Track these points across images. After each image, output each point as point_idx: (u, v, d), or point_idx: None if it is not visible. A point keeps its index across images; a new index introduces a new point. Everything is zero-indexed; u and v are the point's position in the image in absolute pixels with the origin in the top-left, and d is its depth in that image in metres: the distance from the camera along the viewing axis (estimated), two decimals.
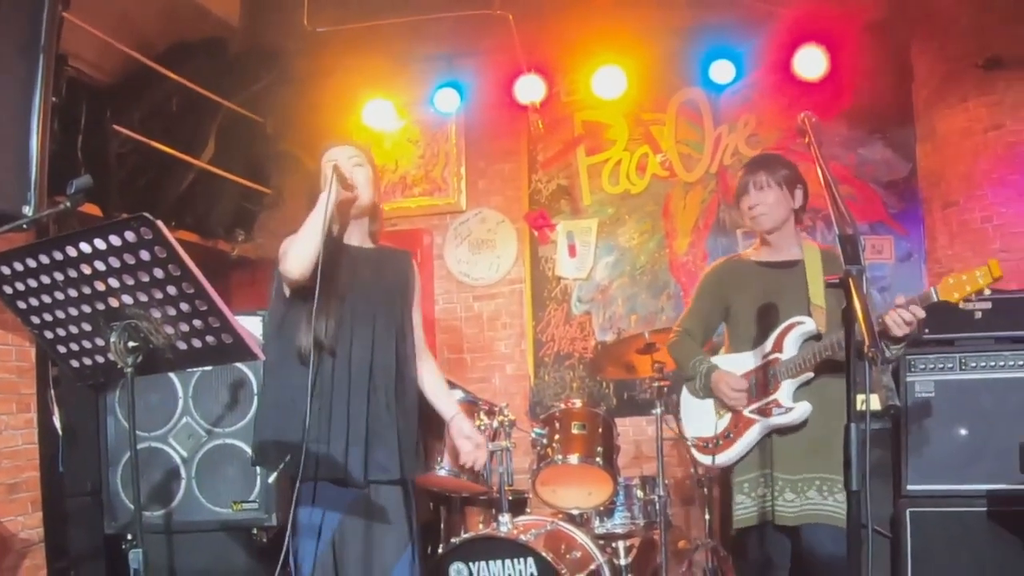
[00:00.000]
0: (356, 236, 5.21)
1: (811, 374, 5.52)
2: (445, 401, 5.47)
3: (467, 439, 5.39)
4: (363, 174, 5.09)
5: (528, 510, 7.90)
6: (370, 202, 5.16)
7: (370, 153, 5.31)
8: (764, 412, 5.69)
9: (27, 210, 5.97)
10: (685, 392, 6.24)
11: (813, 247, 5.94)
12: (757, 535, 5.75)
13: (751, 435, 5.73)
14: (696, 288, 6.32)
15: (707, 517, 7.70)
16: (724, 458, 5.86)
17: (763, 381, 5.73)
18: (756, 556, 5.83)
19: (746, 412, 5.77)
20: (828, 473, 5.55)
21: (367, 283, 5.06)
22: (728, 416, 5.90)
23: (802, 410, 5.52)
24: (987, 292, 5.33)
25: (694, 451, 6.10)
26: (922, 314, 5.32)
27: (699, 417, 6.08)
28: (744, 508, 5.80)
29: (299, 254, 4.77)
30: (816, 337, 5.62)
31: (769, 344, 5.74)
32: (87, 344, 4.20)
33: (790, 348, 5.64)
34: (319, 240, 4.70)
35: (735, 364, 5.91)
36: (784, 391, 5.61)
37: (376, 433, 4.91)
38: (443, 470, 6.67)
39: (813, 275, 5.74)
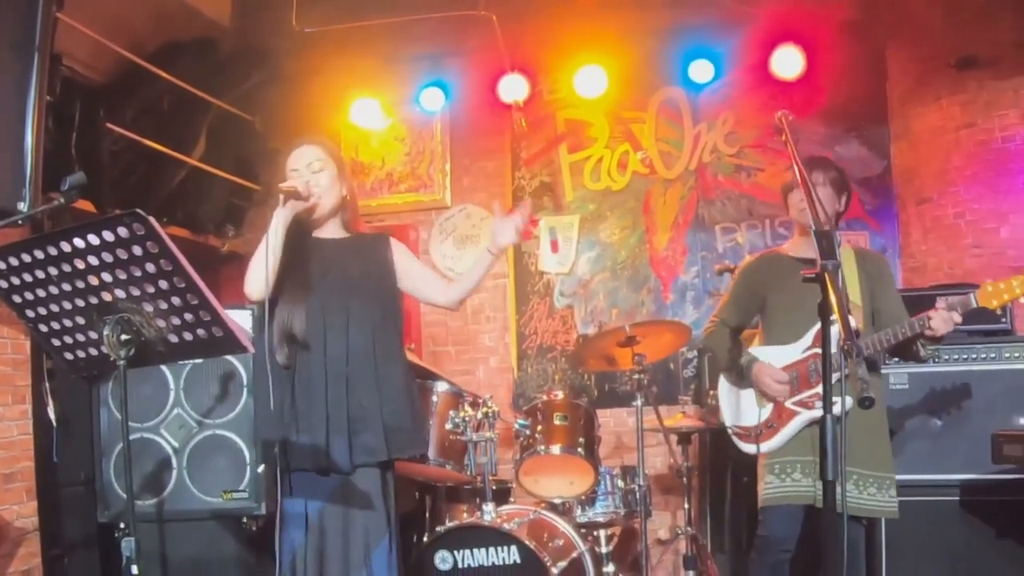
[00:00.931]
0: (329, 229, 5.22)
1: (847, 370, 5.57)
2: (477, 266, 5.25)
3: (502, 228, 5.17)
4: (324, 178, 5.08)
5: (512, 499, 7.93)
6: (335, 202, 5.15)
7: (334, 147, 5.31)
8: (806, 405, 5.78)
9: (22, 206, 5.97)
10: (723, 382, 6.33)
11: (847, 248, 6.00)
12: (777, 514, 5.85)
13: (793, 426, 5.84)
14: (733, 280, 6.43)
15: (686, 506, 7.70)
16: (768, 446, 5.96)
17: (804, 374, 5.81)
18: (769, 533, 5.91)
19: (788, 404, 5.84)
20: (862, 468, 5.67)
21: (339, 273, 5.06)
22: (770, 407, 5.97)
23: (844, 404, 5.57)
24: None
25: (735, 439, 6.19)
26: (959, 319, 5.39)
27: (738, 406, 6.17)
28: (772, 487, 5.89)
29: (253, 278, 4.83)
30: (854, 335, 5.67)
31: (809, 339, 5.82)
32: (81, 337, 4.20)
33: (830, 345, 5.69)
34: (270, 263, 4.74)
35: (774, 356, 5.98)
36: None
37: (359, 419, 4.92)
38: (428, 459, 6.68)
39: (850, 274, 5.81)
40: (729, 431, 6.26)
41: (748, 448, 6.09)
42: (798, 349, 5.89)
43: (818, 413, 5.59)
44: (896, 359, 6.61)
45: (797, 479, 5.79)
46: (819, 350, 5.66)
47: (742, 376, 6.09)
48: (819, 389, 5.63)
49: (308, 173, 5.05)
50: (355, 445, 4.89)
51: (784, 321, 6.00)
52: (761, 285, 6.13)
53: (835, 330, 5.75)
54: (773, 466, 5.91)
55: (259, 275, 4.76)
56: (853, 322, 5.66)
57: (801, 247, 5.98)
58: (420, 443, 5.33)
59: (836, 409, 5.62)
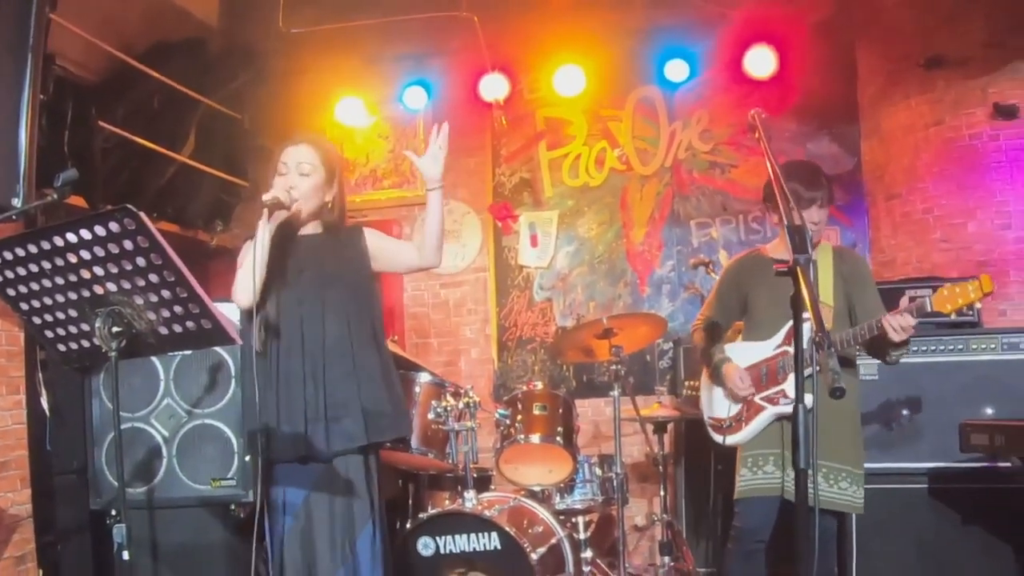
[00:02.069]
0: (310, 226, 5.20)
1: (816, 368, 5.58)
2: (429, 213, 5.19)
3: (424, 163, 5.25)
4: (308, 183, 5.03)
5: (492, 487, 7.91)
6: (315, 207, 5.11)
7: (329, 151, 5.24)
8: (772, 400, 5.80)
9: (16, 202, 5.99)
10: (704, 376, 6.34)
11: (826, 246, 6.04)
12: (750, 506, 5.86)
13: (760, 420, 5.85)
14: (718, 279, 6.44)
15: (662, 494, 7.72)
16: (734, 439, 6.00)
17: (773, 370, 5.84)
18: (743, 524, 5.91)
19: (756, 399, 5.87)
20: (832, 461, 5.68)
21: (315, 268, 5.05)
22: (741, 401, 6.00)
23: (806, 402, 5.58)
24: (978, 305, 5.43)
25: (709, 430, 6.22)
26: (914, 322, 5.40)
27: (716, 400, 6.17)
28: (745, 480, 5.91)
29: (240, 288, 4.86)
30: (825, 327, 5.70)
31: (780, 337, 5.84)
32: (73, 329, 4.21)
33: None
34: (255, 273, 4.74)
35: (748, 352, 6.01)
36: (791, 383, 5.66)
37: (337, 406, 4.92)
38: (411, 448, 6.69)
39: (824, 273, 5.85)
40: (705, 422, 6.30)
41: (718, 439, 6.14)
42: (770, 346, 5.91)
43: (783, 409, 5.71)
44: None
45: (769, 471, 5.81)
46: (789, 348, 5.72)
47: (716, 374, 6.13)
48: (785, 385, 5.71)
49: (295, 174, 5.03)
50: (333, 432, 4.90)
51: (761, 318, 6.03)
52: (742, 283, 6.15)
53: (808, 328, 5.78)
54: (747, 459, 5.94)
55: (246, 285, 4.78)
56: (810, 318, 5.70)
57: (782, 249, 5.99)
58: (401, 427, 5.28)
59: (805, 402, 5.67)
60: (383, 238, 5.33)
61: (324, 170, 5.11)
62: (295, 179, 5.02)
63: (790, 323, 5.68)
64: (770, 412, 5.80)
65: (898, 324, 5.35)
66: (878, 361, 6.93)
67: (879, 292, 5.95)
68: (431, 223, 5.14)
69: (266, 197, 4.83)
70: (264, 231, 4.81)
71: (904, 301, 5.43)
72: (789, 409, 5.54)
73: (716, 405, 6.15)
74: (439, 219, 5.17)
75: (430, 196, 5.16)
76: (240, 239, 4.96)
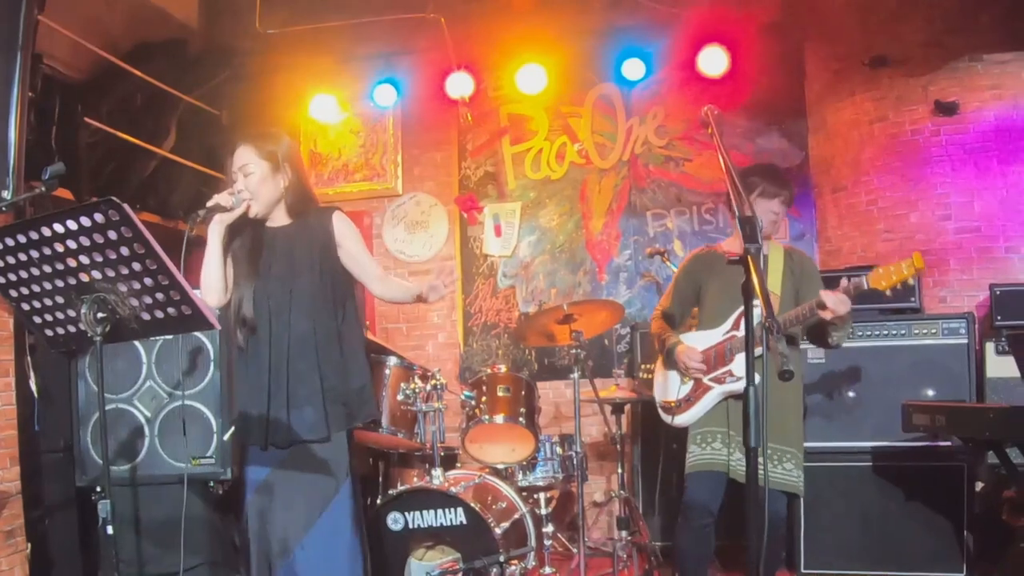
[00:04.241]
0: (276, 217, 5.18)
1: (761, 348, 5.60)
2: (405, 287, 5.19)
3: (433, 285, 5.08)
4: (253, 181, 5.03)
5: (458, 465, 7.99)
6: (271, 197, 5.10)
7: (267, 144, 5.15)
8: (719, 380, 5.84)
9: (6, 194, 5.98)
10: (659, 363, 6.38)
11: (777, 245, 6.11)
12: (699, 480, 5.88)
13: (708, 400, 5.90)
14: (677, 272, 6.47)
15: (620, 471, 7.74)
16: (683, 419, 6.04)
17: (721, 353, 5.88)
18: (692, 499, 5.92)
19: (705, 380, 5.92)
20: (778, 444, 5.71)
21: (283, 260, 5.05)
22: (690, 383, 6.03)
23: (765, 376, 5.62)
24: (911, 281, 5.46)
25: (660, 412, 6.26)
26: (847, 300, 5.44)
27: (666, 383, 6.21)
28: (694, 456, 5.95)
29: (205, 290, 4.95)
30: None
31: (729, 323, 5.89)
32: (60, 315, 4.20)
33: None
34: (213, 275, 4.92)
35: (699, 340, 6.04)
36: (738, 362, 5.75)
37: (300, 396, 4.93)
38: (381, 428, 6.71)
39: (775, 267, 5.92)
40: (657, 406, 6.33)
41: (666, 419, 6.19)
42: (719, 333, 5.95)
43: (730, 387, 5.77)
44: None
45: (717, 448, 5.85)
46: (737, 332, 5.76)
47: (670, 359, 6.16)
48: (732, 366, 5.78)
49: (240, 176, 5.05)
50: (295, 423, 4.91)
51: (712, 309, 6.08)
52: (698, 277, 6.21)
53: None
54: (695, 436, 5.98)
55: (208, 285, 4.94)
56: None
57: (736, 246, 6.02)
58: (360, 416, 5.27)
59: (739, 385, 5.71)
60: (353, 242, 5.22)
61: (266, 163, 5.08)
62: (241, 180, 5.05)
63: (738, 311, 5.75)
64: (717, 391, 5.85)
65: (832, 302, 5.39)
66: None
67: (826, 280, 5.99)
68: (403, 295, 5.14)
69: (208, 205, 4.92)
70: (213, 233, 4.94)
71: (843, 283, 5.46)
72: (736, 387, 5.64)
73: (668, 388, 6.19)
74: (407, 299, 5.16)
75: (415, 292, 5.04)
76: None
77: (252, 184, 5.03)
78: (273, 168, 5.11)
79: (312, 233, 5.15)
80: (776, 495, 5.64)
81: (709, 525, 5.90)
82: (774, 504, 5.55)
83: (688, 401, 6.01)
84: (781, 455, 5.70)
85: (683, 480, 6.07)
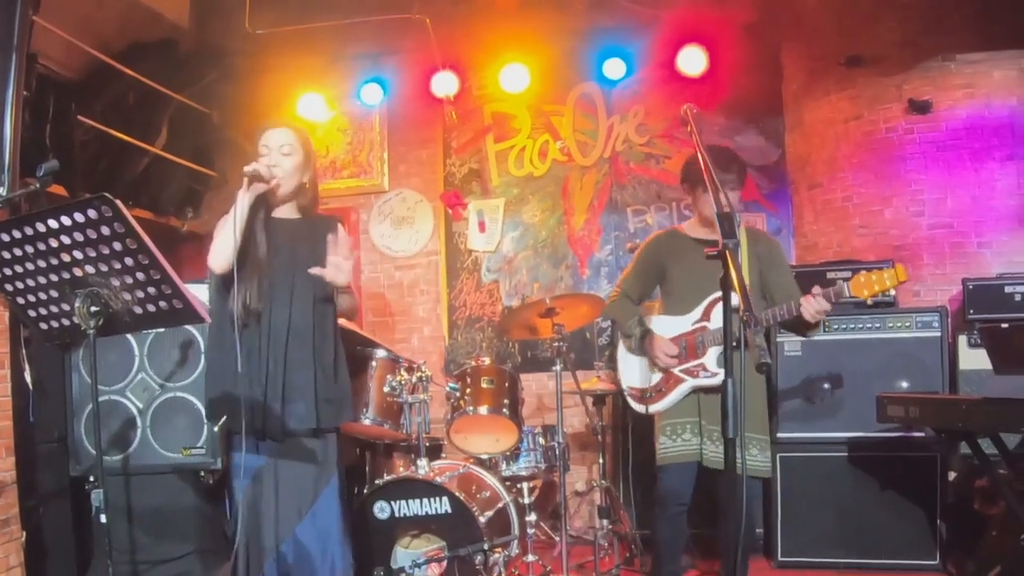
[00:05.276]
0: (284, 210, 5.16)
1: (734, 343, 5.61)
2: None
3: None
4: (289, 162, 5.04)
5: (443, 455, 7.99)
6: (294, 187, 5.10)
7: (305, 136, 5.23)
8: (692, 373, 5.83)
9: (1, 191, 5.99)
10: (621, 347, 6.35)
11: (741, 229, 5.95)
12: (672, 471, 5.90)
13: (680, 391, 5.90)
14: (638, 253, 6.40)
15: (601, 461, 7.75)
16: (655, 408, 6.02)
17: (692, 345, 5.86)
18: (665, 489, 5.96)
19: (676, 371, 5.89)
20: (759, 433, 5.77)
21: (287, 251, 5.03)
22: (661, 373, 6.01)
23: (743, 370, 5.60)
24: (892, 292, 5.45)
25: (629, 399, 6.25)
26: (829, 307, 5.44)
27: (634, 369, 6.19)
28: (664, 448, 5.96)
29: (216, 252, 4.83)
30: (738, 310, 5.71)
31: (699, 313, 5.87)
32: (54, 309, 4.21)
33: (716, 319, 5.74)
34: (233, 239, 4.74)
35: (668, 326, 6.01)
36: (711, 356, 5.75)
37: (294, 388, 4.92)
38: (368, 419, 6.71)
39: (740, 254, 5.72)
40: (624, 392, 6.34)
41: (639, 408, 6.18)
42: (688, 321, 5.94)
43: (703, 382, 5.78)
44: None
45: (688, 439, 5.86)
46: (707, 324, 5.75)
47: (638, 344, 6.14)
48: (705, 359, 5.77)
49: (278, 155, 5.02)
50: (287, 413, 4.90)
51: (680, 294, 6.04)
52: (662, 259, 6.17)
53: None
54: (665, 428, 5.98)
55: (224, 251, 4.77)
56: (739, 299, 5.72)
57: (699, 229, 6.04)
58: (346, 416, 5.26)
59: (718, 380, 5.70)
60: (351, 257, 5.26)
61: (303, 151, 5.12)
62: (277, 158, 5.02)
63: (708, 300, 5.78)
64: (689, 384, 5.85)
65: (815, 309, 5.42)
66: (801, 338, 7.00)
67: (803, 275, 5.99)
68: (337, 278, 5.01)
69: (247, 168, 4.81)
70: (243, 199, 4.79)
71: (816, 289, 5.45)
72: (708, 382, 5.63)
73: (636, 375, 6.19)
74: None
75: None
76: (209, 225, 4.96)
77: (288, 165, 5.04)
78: (306, 159, 5.15)
79: (317, 234, 5.15)
80: (748, 481, 5.62)
81: (682, 513, 5.94)
82: (748, 490, 5.52)
83: (660, 392, 6.00)
84: (747, 441, 5.70)
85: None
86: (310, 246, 5.10)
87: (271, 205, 5.12)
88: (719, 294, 5.64)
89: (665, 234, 6.31)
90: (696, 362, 5.85)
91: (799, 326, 5.79)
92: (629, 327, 6.17)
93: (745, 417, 5.58)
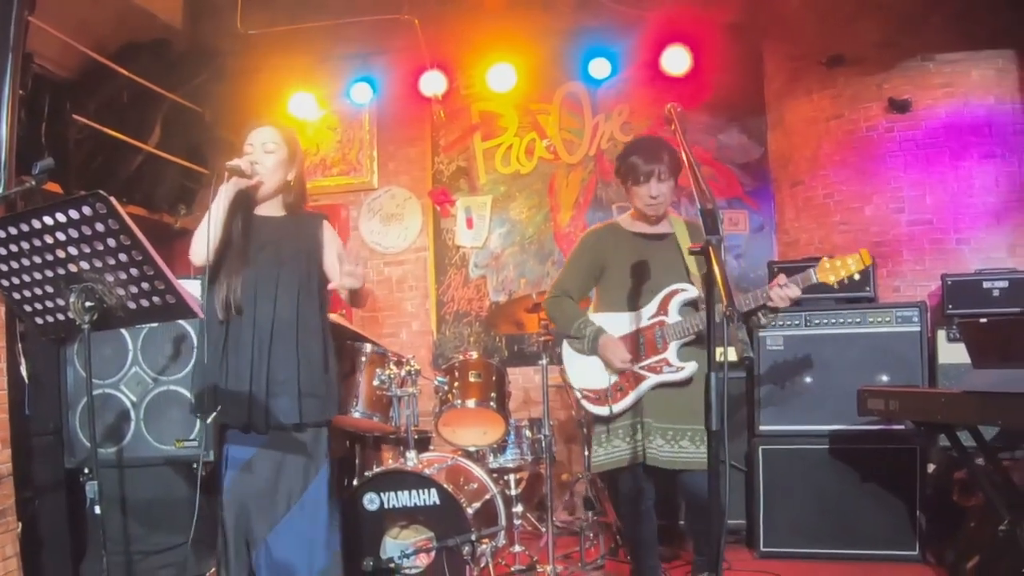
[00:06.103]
0: (270, 207, 5.17)
1: (694, 336, 5.58)
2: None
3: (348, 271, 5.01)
4: (272, 160, 5.04)
5: (432, 447, 7.97)
6: (277, 184, 5.10)
7: (291, 134, 5.24)
8: (654, 369, 5.69)
9: None
10: (567, 347, 6.09)
11: (679, 220, 5.94)
12: (630, 473, 5.77)
13: (643, 388, 5.71)
14: (574, 250, 6.21)
15: (586, 453, 7.75)
16: (620, 407, 5.78)
17: (651, 340, 5.71)
18: (622, 492, 5.91)
19: (636, 368, 5.72)
20: (676, 423, 5.60)
21: (272, 250, 5.03)
22: (618, 373, 5.85)
23: (690, 369, 5.54)
24: (856, 276, 5.44)
25: (585, 402, 5.94)
26: (798, 293, 5.41)
27: (586, 370, 5.96)
28: (599, 457, 5.86)
29: (197, 246, 4.83)
30: (695, 302, 5.68)
31: (654, 307, 5.74)
32: (50, 304, 4.21)
33: (674, 312, 5.66)
34: (213, 232, 4.76)
35: (615, 322, 5.86)
36: (672, 351, 5.64)
37: (278, 383, 4.92)
38: (357, 412, 6.71)
39: (683, 245, 5.70)
40: (578, 394, 6.03)
41: (599, 411, 5.85)
42: (643, 316, 5.78)
43: (668, 377, 5.64)
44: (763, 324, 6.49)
45: (617, 444, 5.76)
46: (665, 318, 5.67)
47: (590, 345, 5.91)
48: (667, 354, 5.65)
49: (261, 152, 5.03)
50: (271, 407, 4.90)
51: (620, 290, 5.88)
52: (600, 255, 5.98)
53: (680, 298, 5.77)
54: (600, 434, 5.86)
55: (202, 242, 4.78)
56: (696, 290, 5.68)
57: (638, 224, 5.94)
58: (331, 411, 5.25)
59: (682, 375, 5.69)
60: (333, 246, 5.26)
61: (287, 149, 5.12)
62: (260, 156, 5.03)
63: (663, 293, 5.68)
64: (653, 380, 5.68)
65: (785, 294, 5.38)
66: (783, 333, 7.02)
67: (785, 271, 5.97)
68: (354, 284, 4.95)
69: (229, 163, 4.85)
70: (223, 193, 4.83)
71: (781, 278, 5.41)
72: (673, 376, 5.56)
73: (590, 376, 5.93)
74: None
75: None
76: (200, 221, 4.94)
77: (270, 162, 5.05)
78: (290, 157, 5.15)
79: (303, 231, 5.18)
80: (702, 477, 5.27)
81: (649, 509, 5.83)
82: (700, 486, 5.25)
83: (621, 391, 5.78)
84: (678, 433, 5.58)
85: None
86: (295, 242, 5.12)
87: (254, 201, 5.12)
88: (674, 287, 5.64)
89: (604, 229, 6.13)
90: (658, 357, 5.69)
91: (749, 318, 5.69)
92: (577, 328, 5.94)
93: (677, 410, 5.57)
